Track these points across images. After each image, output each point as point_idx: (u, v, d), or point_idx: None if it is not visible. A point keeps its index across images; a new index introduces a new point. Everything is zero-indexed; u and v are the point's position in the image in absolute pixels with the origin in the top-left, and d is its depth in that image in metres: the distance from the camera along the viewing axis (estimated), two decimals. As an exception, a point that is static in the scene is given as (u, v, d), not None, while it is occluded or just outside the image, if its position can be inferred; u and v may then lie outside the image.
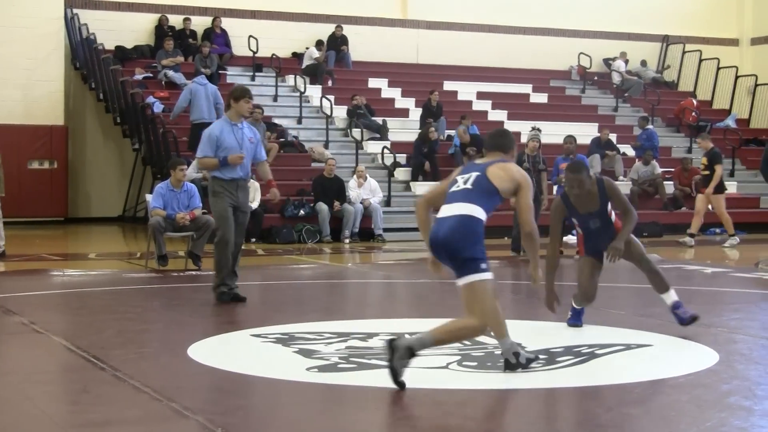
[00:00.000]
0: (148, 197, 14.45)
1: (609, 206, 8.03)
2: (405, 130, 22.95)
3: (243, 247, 10.69)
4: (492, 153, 6.46)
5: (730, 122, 26.87)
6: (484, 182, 6.16)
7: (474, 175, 6.19)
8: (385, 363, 5.94)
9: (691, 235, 18.12)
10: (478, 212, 6.07)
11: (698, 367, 6.66)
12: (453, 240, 6.02)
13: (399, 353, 5.84)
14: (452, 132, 22.29)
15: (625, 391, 6.06)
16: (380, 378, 6.30)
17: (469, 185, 6.14)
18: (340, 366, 6.70)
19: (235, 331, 8.30)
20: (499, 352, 6.43)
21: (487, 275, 6.04)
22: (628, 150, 24.17)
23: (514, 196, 6.36)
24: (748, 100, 28.32)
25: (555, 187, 16.27)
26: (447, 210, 6.18)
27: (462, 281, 6.07)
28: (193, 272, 12.85)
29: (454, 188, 6.23)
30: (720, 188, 17.62)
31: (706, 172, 17.70)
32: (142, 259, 14.04)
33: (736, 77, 28.24)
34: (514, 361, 6.27)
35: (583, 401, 5.93)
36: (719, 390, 6.08)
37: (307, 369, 6.59)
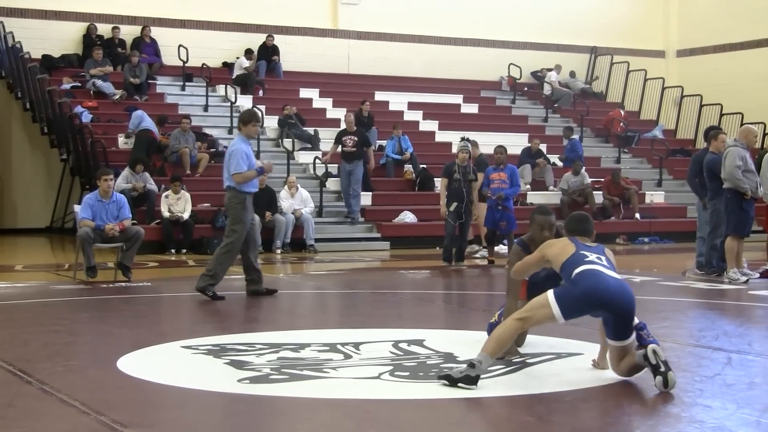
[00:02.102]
0: (77, 208, 14.26)
1: None
2: (336, 140, 22.86)
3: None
4: (581, 237, 6.72)
5: (657, 133, 27.26)
6: (611, 263, 6.58)
7: (603, 256, 6.56)
8: (319, 374, 5.89)
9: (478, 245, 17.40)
10: None
11: (627, 374, 6.71)
12: (633, 303, 6.45)
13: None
14: (383, 142, 22.32)
15: (556, 400, 6.09)
16: (311, 389, 6.27)
17: (606, 263, 6.51)
18: (271, 377, 6.65)
19: (165, 342, 8.19)
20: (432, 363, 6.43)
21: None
22: (558, 160, 24.41)
23: None
24: (675, 111, 28.76)
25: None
26: (611, 273, 6.44)
27: (628, 341, 6.47)
28: (123, 284, 12.70)
29: (593, 257, 6.48)
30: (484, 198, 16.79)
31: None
32: (70, 270, 13.85)
33: (663, 88, 28.69)
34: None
35: (515, 410, 5.95)
36: (648, 397, 6.14)
37: (239, 380, 6.54)
